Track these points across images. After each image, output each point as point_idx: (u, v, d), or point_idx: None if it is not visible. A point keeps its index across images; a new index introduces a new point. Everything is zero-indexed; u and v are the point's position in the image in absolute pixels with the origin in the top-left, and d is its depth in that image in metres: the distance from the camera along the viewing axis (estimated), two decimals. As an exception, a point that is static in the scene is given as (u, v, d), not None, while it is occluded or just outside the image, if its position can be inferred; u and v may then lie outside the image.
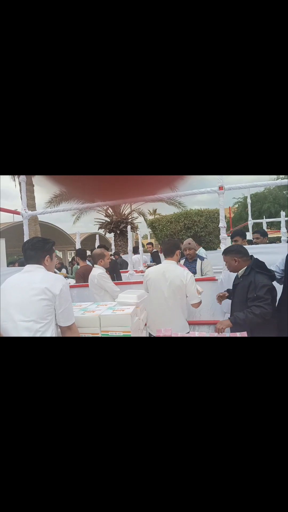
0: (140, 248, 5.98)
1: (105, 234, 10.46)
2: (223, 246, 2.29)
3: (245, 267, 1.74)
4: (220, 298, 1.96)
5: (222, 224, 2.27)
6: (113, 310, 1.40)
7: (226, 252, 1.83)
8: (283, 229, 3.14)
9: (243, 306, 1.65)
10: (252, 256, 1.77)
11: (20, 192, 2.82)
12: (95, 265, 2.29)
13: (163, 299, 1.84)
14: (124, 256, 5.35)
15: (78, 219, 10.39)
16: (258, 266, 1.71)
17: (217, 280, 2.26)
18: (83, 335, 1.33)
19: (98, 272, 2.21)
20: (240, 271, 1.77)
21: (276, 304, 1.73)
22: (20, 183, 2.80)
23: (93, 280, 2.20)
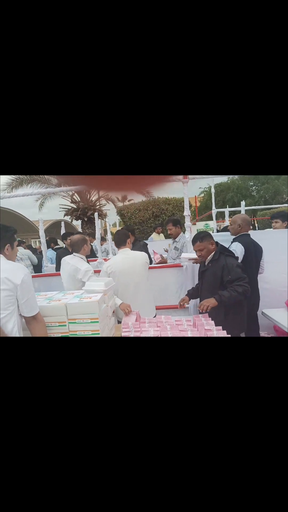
0: (109, 236, 5.86)
1: (71, 221, 10.04)
2: (188, 234, 2.39)
3: (213, 252, 1.77)
4: (184, 302, 1.92)
5: (187, 212, 2.35)
6: (80, 298, 1.40)
7: (202, 238, 1.79)
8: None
9: (214, 291, 1.66)
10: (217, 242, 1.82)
11: (-27, 174, 2.54)
12: (75, 254, 2.01)
13: (134, 284, 1.87)
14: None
15: (43, 205, 9.78)
16: (225, 249, 1.76)
17: (182, 266, 2.37)
18: (49, 325, 1.31)
19: (84, 268, 1.90)
20: (208, 257, 1.80)
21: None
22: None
23: (72, 273, 1.93)
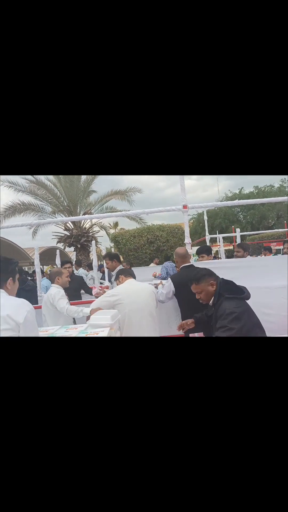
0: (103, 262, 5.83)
1: (64, 248, 10.01)
2: (190, 261, 2.39)
3: (214, 295, 1.38)
4: (185, 327, 1.63)
5: (188, 240, 2.37)
6: (85, 334, 1.31)
7: (198, 279, 1.39)
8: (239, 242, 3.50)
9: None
10: (217, 277, 1.43)
11: None
12: (52, 285, 2.22)
13: (140, 314, 1.78)
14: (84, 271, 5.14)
15: (36, 233, 9.77)
16: (227, 289, 1.36)
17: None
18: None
19: (54, 292, 2.11)
20: (211, 301, 1.39)
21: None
22: None
23: (47, 301, 2.12)
